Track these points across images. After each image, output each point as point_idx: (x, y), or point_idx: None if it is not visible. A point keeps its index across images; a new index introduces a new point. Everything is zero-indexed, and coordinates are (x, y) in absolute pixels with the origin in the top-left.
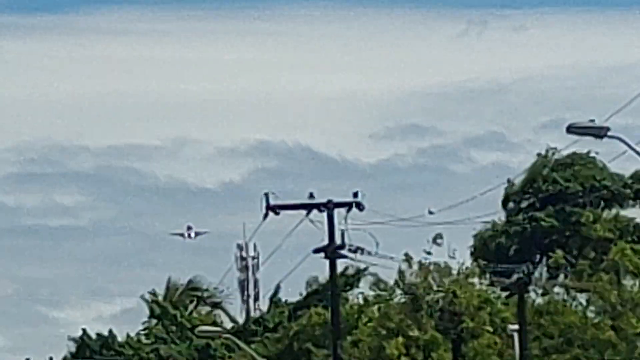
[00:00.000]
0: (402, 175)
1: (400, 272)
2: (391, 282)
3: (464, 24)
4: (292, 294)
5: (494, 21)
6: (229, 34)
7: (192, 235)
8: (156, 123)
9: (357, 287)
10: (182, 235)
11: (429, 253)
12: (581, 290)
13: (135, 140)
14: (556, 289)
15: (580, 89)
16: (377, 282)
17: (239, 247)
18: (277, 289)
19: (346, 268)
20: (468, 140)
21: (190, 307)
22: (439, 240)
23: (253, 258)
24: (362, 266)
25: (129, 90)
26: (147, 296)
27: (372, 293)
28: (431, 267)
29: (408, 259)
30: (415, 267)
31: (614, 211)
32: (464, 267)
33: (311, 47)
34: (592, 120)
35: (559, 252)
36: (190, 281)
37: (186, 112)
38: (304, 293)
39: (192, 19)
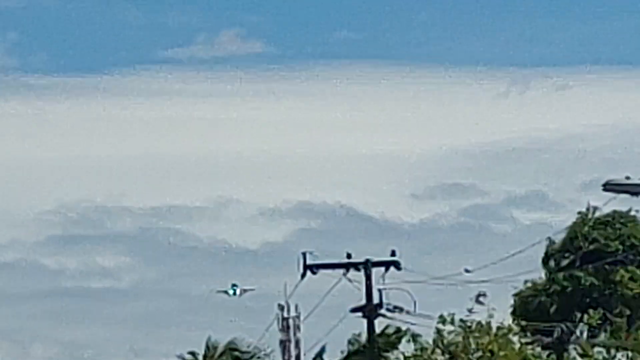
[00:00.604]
0: (443, 234)
1: (439, 332)
2: (430, 341)
3: (506, 83)
4: (333, 354)
5: (537, 80)
6: (270, 94)
7: (238, 292)
8: (198, 184)
9: (397, 348)
10: (227, 292)
11: (470, 311)
12: (619, 349)
13: (176, 201)
14: (595, 348)
15: (621, 148)
16: (416, 341)
17: (281, 307)
18: (323, 349)
19: (386, 327)
20: (509, 200)
21: None
22: (482, 299)
23: (295, 318)
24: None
25: (170, 151)
26: (187, 356)
27: (411, 350)
28: (472, 326)
29: (443, 319)
30: (453, 326)
31: None
32: (503, 326)
33: (352, 106)
34: (628, 178)
35: (595, 312)
36: (230, 342)
37: (228, 173)
38: (346, 352)
39: (233, 79)
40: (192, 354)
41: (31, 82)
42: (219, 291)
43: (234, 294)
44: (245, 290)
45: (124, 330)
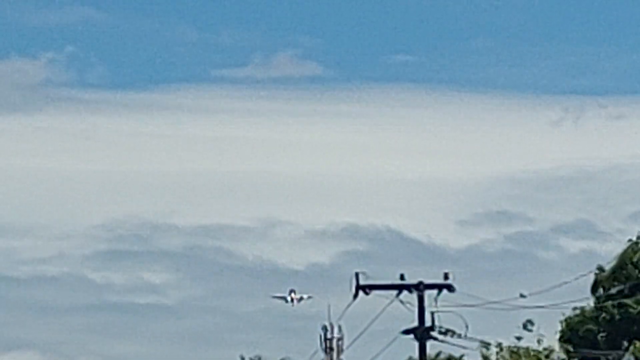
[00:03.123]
0: (489, 261)
1: (485, 358)
2: None
3: (560, 111)
4: None
5: (591, 109)
6: (319, 115)
7: (295, 299)
8: (246, 203)
9: None
10: (284, 299)
11: (519, 338)
12: None
13: (224, 220)
14: None
15: None
16: None
17: (324, 329)
18: None
19: (438, 353)
20: (557, 228)
21: None
22: (529, 326)
23: (338, 339)
24: (454, 350)
25: (219, 169)
26: None
27: None
28: (520, 352)
29: (486, 345)
30: (501, 351)
31: None
32: (553, 354)
33: (402, 130)
34: None
35: (638, 343)
36: None
37: (276, 193)
38: None
39: (286, 100)
40: None
41: (85, 97)
42: (275, 296)
43: (291, 300)
44: (302, 298)
45: (169, 347)
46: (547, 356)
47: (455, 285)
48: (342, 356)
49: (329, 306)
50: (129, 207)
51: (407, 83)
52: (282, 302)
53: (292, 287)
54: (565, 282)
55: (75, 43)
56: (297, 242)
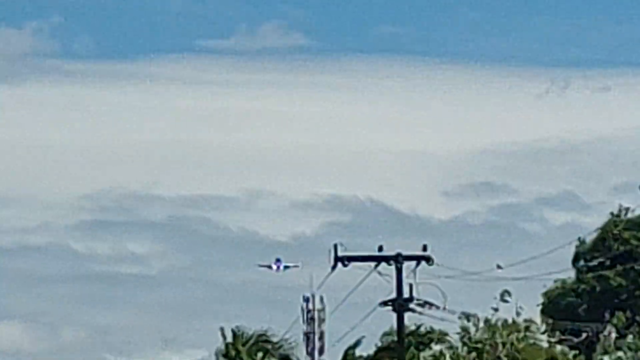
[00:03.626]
0: (473, 232)
1: (464, 329)
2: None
3: (546, 83)
4: (366, 348)
5: (577, 81)
6: (304, 88)
7: (282, 267)
8: (230, 174)
9: (430, 348)
10: (270, 267)
11: (496, 310)
12: None
13: (209, 191)
14: (623, 349)
15: None
16: (444, 341)
17: (305, 299)
18: (358, 342)
19: (419, 326)
20: (541, 200)
21: (259, 358)
22: (506, 297)
23: (319, 310)
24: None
25: (204, 140)
26: (220, 346)
27: (438, 348)
28: (498, 324)
29: (466, 316)
30: (481, 323)
31: None
32: (532, 326)
33: (387, 102)
34: None
35: (621, 313)
36: (260, 333)
37: (261, 165)
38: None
39: (269, 71)
40: (227, 345)
41: (70, 67)
42: (261, 265)
43: (278, 269)
44: (288, 266)
45: (153, 317)
46: (526, 328)
47: (433, 257)
48: (322, 326)
49: (311, 277)
50: (113, 178)
51: (393, 55)
52: (266, 271)
53: (278, 257)
54: (543, 254)
55: (60, 13)
56: (281, 213)
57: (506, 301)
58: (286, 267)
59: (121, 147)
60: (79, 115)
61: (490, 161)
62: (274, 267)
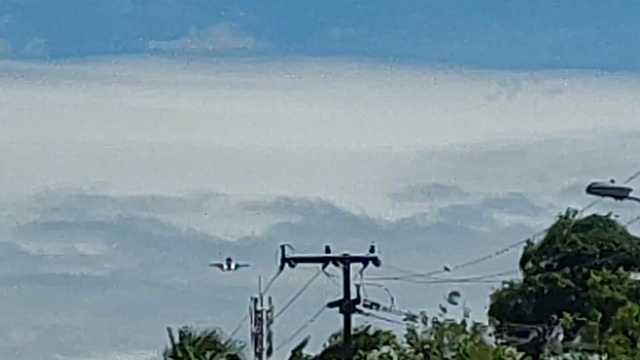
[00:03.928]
0: (422, 234)
1: (411, 331)
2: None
3: (496, 85)
4: (311, 348)
5: (528, 83)
6: (254, 88)
7: (232, 266)
8: (180, 175)
9: (378, 349)
10: (221, 266)
11: (444, 310)
12: (592, 352)
13: (158, 192)
14: (570, 351)
15: (602, 153)
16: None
17: (253, 300)
18: (305, 342)
19: (367, 327)
20: (489, 202)
21: (207, 358)
22: (454, 298)
23: (267, 311)
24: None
25: (153, 141)
26: (168, 346)
27: (385, 349)
28: (445, 325)
29: (411, 317)
30: (425, 325)
31: (629, 274)
32: (479, 326)
33: (335, 103)
34: (613, 181)
35: (570, 314)
36: (208, 333)
37: (210, 166)
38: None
39: (219, 72)
40: (175, 346)
41: (19, 67)
42: (212, 264)
43: (228, 268)
44: (238, 266)
45: (102, 318)
46: (474, 329)
47: (380, 258)
48: (271, 327)
49: (259, 278)
50: (62, 178)
51: (343, 56)
52: (215, 272)
53: (228, 256)
54: (489, 256)
55: (10, 13)
56: (231, 214)
57: (454, 303)
58: (237, 266)
59: (70, 148)
60: (28, 116)
61: (439, 163)
62: (225, 266)
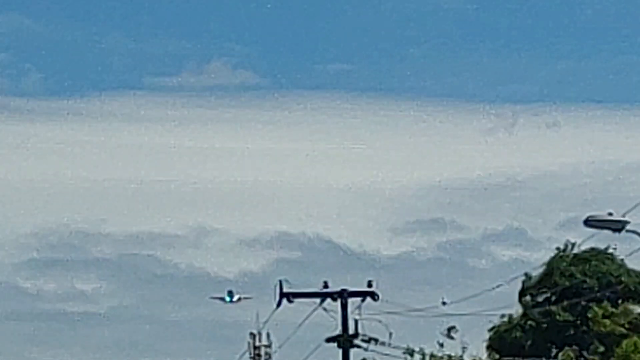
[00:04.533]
0: (421, 268)
1: None
2: None
3: (495, 119)
4: None
5: (526, 117)
6: (251, 123)
7: (234, 299)
8: (178, 212)
9: None
10: (222, 299)
11: (441, 345)
12: None
13: (156, 229)
14: None
15: (599, 186)
16: None
17: (252, 336)
18: None
19: None
20: (488, 236)
21: None
22: (452, 333)
23: (266, 346)
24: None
25: (151, 177)
26: None
27: None
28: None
29: (410, 352)
30: (427, 358)
31: (628, 307)
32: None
33: (333, 138)
34: (610, 214)
35: (569, 348)
36: None
37: (208, 202)
38: None
39: (217, 108)
40: None
41: (17, 104)
42: (213, 297)
43: (230, 301)
44: (241, 299)
45: (101, 355)
46: None
47: (378, 293)
48: None
49: (257, 314)
50: (60, 215)
51: (340, 91)
52: (214, 308)
53: (229, 289)
54: (487, 290)
55: (7, 50)
56: (229, 250)
57: (452, 337)
58: (239, 298)
59: (68, 185)
60: (26, 152)
61: (438, 197)
62: (227, 299)
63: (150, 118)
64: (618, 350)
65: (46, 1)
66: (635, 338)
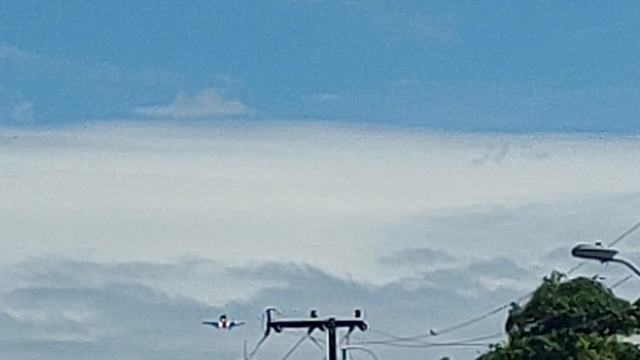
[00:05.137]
0: (409, 299)
1: None
2: None
3: (484, 149)
4: None
5: (515, 147)
6: (241, 153)
7: (227, 324)
8: (167, 242)
9: None
10: (215, 324)
11: None
12: None
13: (145, 259)
14: None
15: (587, 217)
16: None
17: None
18: None
19: None
20: (476, 266)
21: None
22: None
23: None
24: None
25: (140, 207)
26: None
27: None
28: None
29: None
30: None
31: (615, 337)
32: None
33: (322, 169)
34: (599, 244)
35: None
36: None
37: (197, 232)
38: None
39: (206, 138)
40: None
41: (5, 134)
42: (205, 322)
43: (223, 326)
44: (233, 324)
45: None
46: None
47: (367, 323)
48: None
49: (244, 343)
50: (49, 246)
51: (329, 121)
52: (204, 335)
53: (223, 314)
54: (475, 320)
55: None
56: (218, 280)
57: None
58: (232, 324)
59: (57, 215)
60: (15, 183)
61: (426, 227)
62: (220, 324)
63: (140, 148)
64: None
65: (36, 31)
66: None
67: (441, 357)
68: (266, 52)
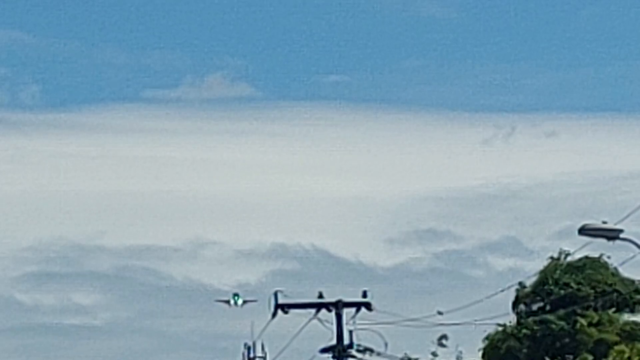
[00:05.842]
0: (417, 279)
1: None
2: None
3: (492, 129)
4: None
5: (523, 127)
6: (249, 135)
7: (240, 302)
8: (175, 224)
9: None
10: (227, 302)
11: (434, 355)
12: None
13: (153, 241)
14: None
15: (594, 196)
16: None
17: (247, 347)
18: None
19: None
20: (484, 245)
21: None
22: (444, 341)
23: (261, 358)
24: None
25: (148, 190)
26: None
27: None
28: None
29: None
30: None
31: (620, 315)
32: None
33: (329, 149)
34: (605, 223)
35: (562, 357)
36: None
37: (204, 214)
38: None
39: (214, 120)
40: None
41: (15, 118)
42: (218, 300)
43: (235, 303)
44: (246, 302)
45: None
46: None
47: (374, 304)
48: None
49: (252, 325)
50: (57, 229)
51: (337, 102)
52: (213, 317)
53: (235, 292)
54: (482, 300)
55: (5, 64)
56: (225, 262)
57: (444, 345)
58: (245, 302)
59: (65, 198)
60: (23, 166)
61: (434, 207)
62: (232, 302)
63: (147, 130)
64: (607, 359)
65: (43, 15)
66: (623, 347)
67: (440, 334)
68: (273, 33)
